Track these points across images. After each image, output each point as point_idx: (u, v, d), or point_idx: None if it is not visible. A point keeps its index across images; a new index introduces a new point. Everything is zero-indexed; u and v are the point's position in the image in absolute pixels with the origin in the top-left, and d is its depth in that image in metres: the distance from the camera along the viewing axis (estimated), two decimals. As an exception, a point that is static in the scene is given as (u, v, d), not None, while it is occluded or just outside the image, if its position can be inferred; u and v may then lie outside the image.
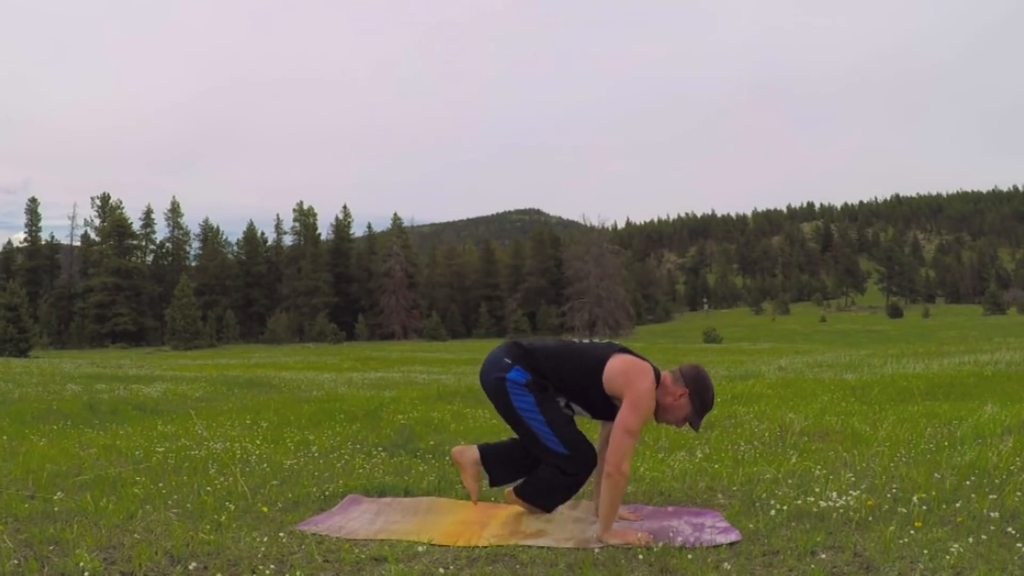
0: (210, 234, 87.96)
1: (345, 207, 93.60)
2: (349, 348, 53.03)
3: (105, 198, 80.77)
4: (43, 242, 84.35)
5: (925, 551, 2.43)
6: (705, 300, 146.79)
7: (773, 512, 2.97)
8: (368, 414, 7.37)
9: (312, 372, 20.21)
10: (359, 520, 3.07)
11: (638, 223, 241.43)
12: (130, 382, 13.90)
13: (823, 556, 2.46)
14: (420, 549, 2.66)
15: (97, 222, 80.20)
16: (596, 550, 2.64)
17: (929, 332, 60.05)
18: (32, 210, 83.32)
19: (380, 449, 5.00)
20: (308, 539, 2.75)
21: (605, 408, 3.01)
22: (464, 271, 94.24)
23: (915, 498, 2.99)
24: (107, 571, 2.37)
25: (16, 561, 2.41)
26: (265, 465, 4.30)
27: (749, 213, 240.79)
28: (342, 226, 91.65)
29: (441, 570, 2.42)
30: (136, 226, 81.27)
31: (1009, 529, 2.59)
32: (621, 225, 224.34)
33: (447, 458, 4.39)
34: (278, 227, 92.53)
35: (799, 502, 3.10)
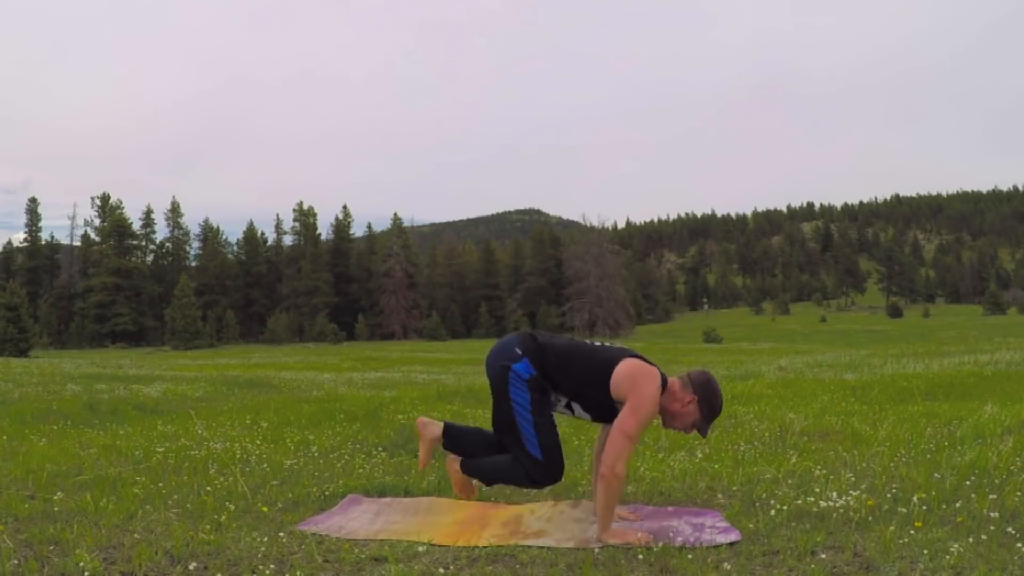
0: (210, 234, 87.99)
1: (345, 207, 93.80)
2: (349, 348, 53.03)
3: (105, 198, 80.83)
4: (43, 242, 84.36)
5: (925, 551, 2.43)
6: (705, 300, 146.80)
7: (773, 512, 2.97)
8: (368, 414, 7.37)
9: (312, 372, 20.21)
10: (359, 520, 3.07)
11: (638, 223, 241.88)
12: (130, 382, 13.89)
13: (823, 556, 2.46)
14: (420, 549, 2.66)
15: (97, 222, 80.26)
16: (596, 550, 2.63)
17: (929, 332, 60.06)
18: (32, 210, 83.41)
19: (380, 449, 5.00)
20: (308, 539, 2.75)
21: (608, 412, 2.99)
22: (464, 271, 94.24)
23: (915, 498, 2.99)
24: (107, 571, 2.37)
25: (16, 561, 2.41)
26: (265, 465, 4.30)
27: (749, 213, 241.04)
28: (342, 226, 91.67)
29: (441, 570, 2.42)
30: (136, 226, 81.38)
31: (1009, 529, 2.59)
32: (621, 225, 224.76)
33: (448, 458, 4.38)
34: (278, 227, 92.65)
35: (799, 502, 3.10)
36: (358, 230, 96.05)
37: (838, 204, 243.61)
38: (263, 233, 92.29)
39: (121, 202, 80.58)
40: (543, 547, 2.69)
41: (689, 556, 2.48)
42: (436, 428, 3.34)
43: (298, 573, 2.38)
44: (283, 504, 3.35)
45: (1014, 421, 5.17)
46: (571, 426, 5.42)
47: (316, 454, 4.81)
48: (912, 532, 2.61)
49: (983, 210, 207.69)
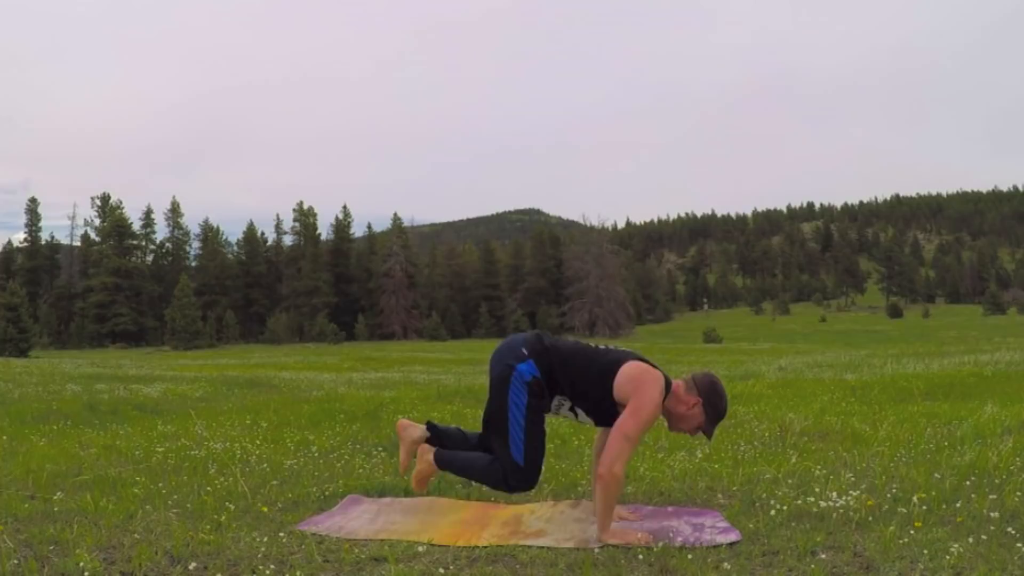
0: (210, 234, 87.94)
1: (345, 207, 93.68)
2: (349, 348, 53.02)
3: (105, 198, 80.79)
4: (43, 242, 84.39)
5: (925, 551, 2.43)
6: (705, 300, 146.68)
7: (773, 512, 2.97)
8: (368, 414, 7.37)
9: (312, 372, 20.20)
10: (359, 520, 3.07)
11: (638, 223, 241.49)
12: (130, 382, 13.88)
13: (823, 556, 2.46)
14: (420, 549, 2.66)
15: (97, 222, 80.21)
16: (596, 550, 2.64)
17: (929, 332, 60.12)
18: (32, 210, 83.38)
19: (380, 449, 5.00)
20: (308, 539, 2.75)
21: (610, 415, 2.97)
22: (464, 271, 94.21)
23: (915, 498, 2.99)
24: (107, 571, 2.37)
25: (16, 561, 2.41)
26: (265, 465, 4.30)
27: (749, 213, 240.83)
28: (342, 226, 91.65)
29: (441, 570, 2.42)
30: (136, 226, 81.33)
31: (1009, 529, 2.59)
32: (621, 225, 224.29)
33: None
34: (278, 227, 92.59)
35: (799, 502, 3.10)
36: (358, 230, 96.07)
37: (838, 204, 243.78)
38: (263, 233, 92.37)
39: (121, 202, 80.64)
40: (543, 547, 2.69)
41: (689, 556, 2.49)
42: (416, 430, 3.31)
43: (298, 573, 2.38)
44: (283, 504, 3.35)
45: (1014, 421, 5.17)
46: (571, 426, 5.42)
47: (316, 454, 4.81)
48: (912, 532, 2.62)
49: (983, 210, 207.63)
